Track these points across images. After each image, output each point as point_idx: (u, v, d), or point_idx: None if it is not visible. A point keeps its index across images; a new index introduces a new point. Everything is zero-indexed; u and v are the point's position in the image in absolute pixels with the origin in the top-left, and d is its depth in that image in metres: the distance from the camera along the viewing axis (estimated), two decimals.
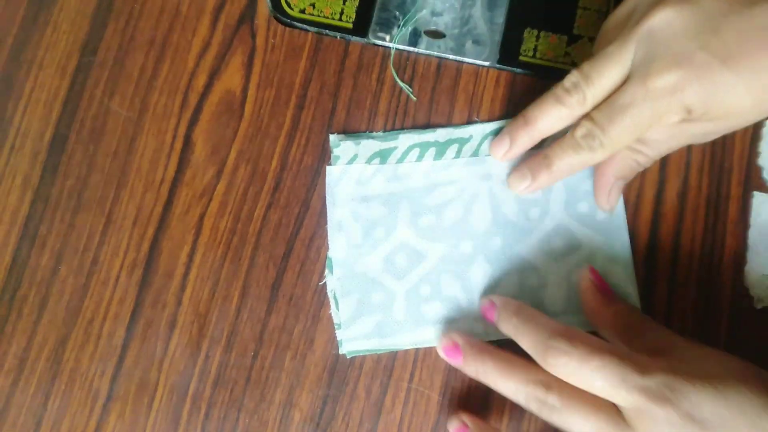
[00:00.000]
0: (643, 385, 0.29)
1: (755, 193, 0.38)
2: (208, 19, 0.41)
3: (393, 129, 0.39)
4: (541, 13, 0.40)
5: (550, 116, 0.34)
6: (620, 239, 0.37)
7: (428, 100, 0.39)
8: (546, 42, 0.39)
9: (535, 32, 0.39)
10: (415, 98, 0.39)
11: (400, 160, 0.38)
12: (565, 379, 0.31)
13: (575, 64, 0.39)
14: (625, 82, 0.33)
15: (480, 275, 0.37)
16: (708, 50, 0.31)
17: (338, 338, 0.37)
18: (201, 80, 0.40)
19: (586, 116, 0.34)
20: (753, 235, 0.37)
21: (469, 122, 0.39)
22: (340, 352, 0.37)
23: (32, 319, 0.38)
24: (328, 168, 0.38)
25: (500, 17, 0.40)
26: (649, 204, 0.38)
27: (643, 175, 0.38)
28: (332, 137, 0.39)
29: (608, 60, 0.33)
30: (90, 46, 0.41)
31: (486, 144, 0.38)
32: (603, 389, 0.30)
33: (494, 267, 0.37)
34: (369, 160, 0.38)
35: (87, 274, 0.38)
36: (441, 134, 0.39)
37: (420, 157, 0.38)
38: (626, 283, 0.36)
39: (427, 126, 0.39)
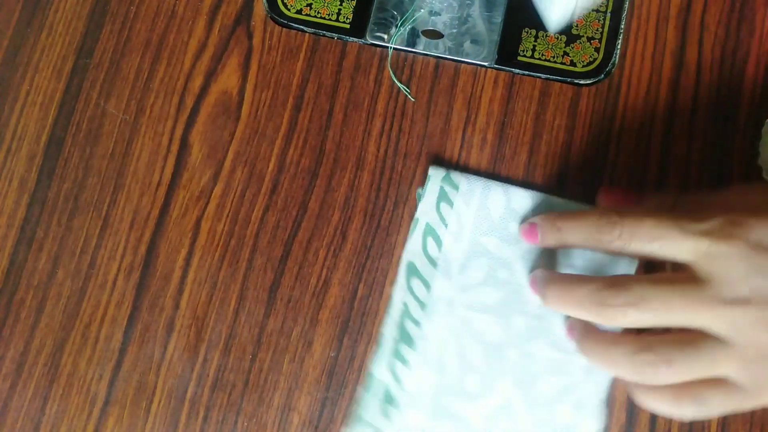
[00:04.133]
0: (703, 229, 0.29)
1: None
2: (204, 20, 0.40)
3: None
4: (540, 12, 0.39)
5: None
6: None
7: (426, 101, 0.39)
8: (544, 42, 0.39)
9: (534, 32, 0.39)
10: (413, 99, 0.39)
11: None
12: (624, 249, 0.31)
13: (573, 64, 0.39)
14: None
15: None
16: None
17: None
18: (197, 82, 0.40)
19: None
20: None
21: None
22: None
23: (29, 323, 0.38)
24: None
25: (498, 17, 0.39)
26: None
27: (644, 173, 0.38)
28: None
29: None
30: (86, 48, 0.40)
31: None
32: (663, 246, 0.30)
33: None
34: None
35: (84, 278, 0.38)
36: None
37: None
38: None
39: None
